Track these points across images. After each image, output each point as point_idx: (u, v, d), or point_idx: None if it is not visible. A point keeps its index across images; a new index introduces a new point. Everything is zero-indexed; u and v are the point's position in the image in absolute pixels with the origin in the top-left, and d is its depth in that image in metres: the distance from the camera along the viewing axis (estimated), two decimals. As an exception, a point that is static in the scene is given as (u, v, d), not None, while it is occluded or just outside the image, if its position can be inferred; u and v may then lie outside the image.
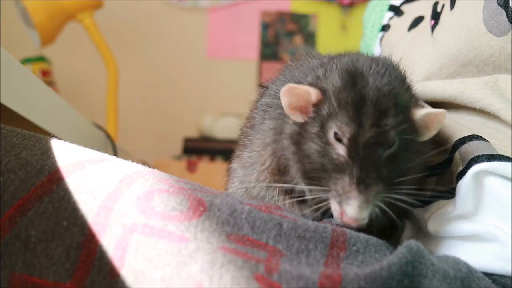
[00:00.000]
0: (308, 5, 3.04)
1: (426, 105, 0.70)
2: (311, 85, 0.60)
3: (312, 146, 0.57)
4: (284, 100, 0.58)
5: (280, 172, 0.64)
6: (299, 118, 0.59)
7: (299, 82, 0.63)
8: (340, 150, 0.55)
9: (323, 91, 0.58)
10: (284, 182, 0.64)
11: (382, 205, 0.55)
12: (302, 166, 0.59)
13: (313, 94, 0.58)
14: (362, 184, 0.53)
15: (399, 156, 0.55)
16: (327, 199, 0.58)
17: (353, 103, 0.55)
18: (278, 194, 0.66)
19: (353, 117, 0.55)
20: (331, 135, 0.56)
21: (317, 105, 0.58)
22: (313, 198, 0.61)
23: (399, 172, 0.56)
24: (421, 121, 0.57)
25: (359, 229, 0.56)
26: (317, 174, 0.57)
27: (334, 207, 0.57)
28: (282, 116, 0.63)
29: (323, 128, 0.57)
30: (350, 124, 0.54)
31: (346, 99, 0.56)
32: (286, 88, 0.58)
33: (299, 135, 0.59)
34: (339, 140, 0.55)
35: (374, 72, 0.57)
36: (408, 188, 0.56)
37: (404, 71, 0.64)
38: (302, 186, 0.61)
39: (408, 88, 0.61)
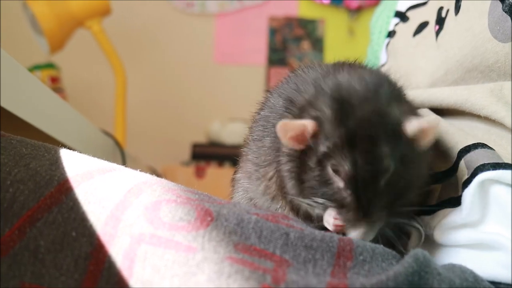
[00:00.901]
0: (316, 10, 3.04)
1: (428, 111, 0.70)
2: (302, 109, 0.60)
3: (312, 177, 0.58)
4: (279, 132, 0.57)
5: (284, 189, 0.64)
6: (296, 146, 0.59)
7: (291, 98, 0.64)
8: (339, 183, 0.56)
9: (317, 121, 0.57)
10: (288, 199, 0.64)
11: (387, 230, 0.58)
12: (301, 189, 0.60)
13: (310, 127, 0.57)
14: (365, 213, 0.55)
15: (397, 177, 0.56)
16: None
17: (346, 139, 0.55)
18: (283, 208, 0.67)
19: (347, 155, 0.55)
20: (329, 171, 0.56)
21: (313, 136, 0.57)
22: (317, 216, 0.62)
23: (400, 191, 0.57)
24: (416, 133, 0.57)
25: None
26: (317, 199, 0.58)
27: (328, 222, 0.59)
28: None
29: (320, 162, 0.57)
30: (345, 162, 0.54)
31: (338, 135, 0.55)
32: (281, 124, 0.57)
33: (299, 164, 0.59)
34: (337, 173, 0.56)
35: (361, 97, 0.57)
36: (411, 204, 0.58)
37: (394, 81, 0.64)
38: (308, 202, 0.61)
39: (398, 101, 0.61)
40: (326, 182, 0.57)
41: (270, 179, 0.66)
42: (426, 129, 0.57)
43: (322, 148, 0.56)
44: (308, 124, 0.57)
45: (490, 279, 0.53)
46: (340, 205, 0.56)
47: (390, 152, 0.55)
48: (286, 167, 0.61)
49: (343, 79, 0.60)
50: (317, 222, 0.61)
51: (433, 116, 0.58)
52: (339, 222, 0.57)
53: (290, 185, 0.61)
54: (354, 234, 0.55)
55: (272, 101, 0.69)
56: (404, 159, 0.56)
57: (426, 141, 0.58)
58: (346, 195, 0.55)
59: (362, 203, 0.54)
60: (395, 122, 0.56)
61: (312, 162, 0.58)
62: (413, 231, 0.64)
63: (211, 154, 2.61)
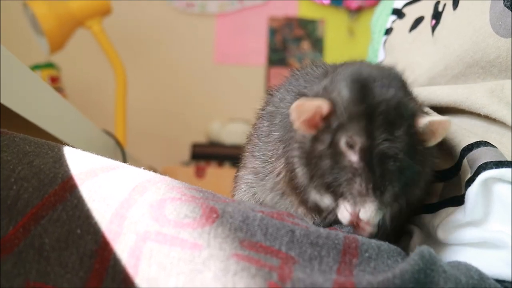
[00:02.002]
0: (316, 10, 3.03)
1: (431, 111, 0.70)
2: (317, 95, 0.60)
3: (324, 159, 0.57)
4: (293, 115, 0.57)
5: (293, 182, 0.64)
6: (309, 131, 0.58)
7: (304, 92, 0.63)
8: (352, 157, 0.55)
9: (332, 102, 0.57)
10: (298, 193, 0.63)
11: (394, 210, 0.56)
12: (311, 175, 0.59)
13: (324, 106, 0.57)
14: (378, 189, 0.54)
15: (407, 164, 0.55)
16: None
17: (363, 114, 0.55)
18: (293, 203, 0.66)
19: (364, 128, 0.54)
20: (342, 144, 0.55)
21: (327, 117, 0.57)
22: (327, 208, 0.61)
23: (408, 180, 0.56)
24: (427, 129, 0.57)
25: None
26: (328, 185, 0.57)
27: (342, 214, 0.58)
28: (289, 125, 0.62)
29: (334, 140, 0.56)
30: (362, 135, 0.54)
31: (356, 110, 0.55)
32: (297, 103, 0.57)
33: (310, 147, 0.59)
34: (350, 147, 0.55)
35: (379, 83, 0.57)
36: (418, 196, 0.57)
37: (406, 80, 0.64)
38: (315, 197, 0.61)
39: (411, 96, 0.61)
40: (338, 160, 0.56)
41: (278, 174, 0.66)
42: (437, 128, 0.57)
43: (337, 122, 0.56)
44: (323, 104, 0.56)
45: (494, 277, 0.53)
46: (350, 185, 0.55)
47: (404, 136, 0.55)
48: (296, 156, 0.61)
49: (362, 67, 0.60)
50: (327, 214, 0.61)
51: (446, 117, 0.58)
52: (353, 216, 0.56)
53: (300, 174, 0.61)
54: (364, 211, 0.54)
55: (279, 96, 0.69)
56: (415, 150, 0.56)
57: (434, 140, 0.57)
58: (359, 167, 0.54)
59: (375, 176, 0.54)
60: (410, 112, 0.56)
61: (324, 144, 0.57)
62: (416, 229, 0.64)
63: (211, 154, 2.60)
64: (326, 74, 0.64)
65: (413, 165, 0.56)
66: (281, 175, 0.65)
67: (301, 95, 0.63)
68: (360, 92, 0.56)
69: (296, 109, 0.57)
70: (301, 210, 0.65)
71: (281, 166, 0.65)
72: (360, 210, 0.55)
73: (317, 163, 0.58)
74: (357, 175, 0.55)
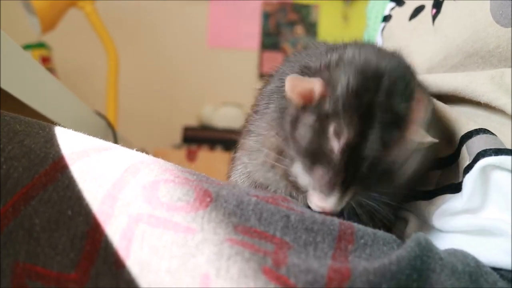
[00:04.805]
0: (310, -5, 3.03)
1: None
2: (318, 71, 0.59)
3: (307, 133, 0.57)
4: (288, 86, 0.57)
5: (282, 153, 0.63)
6: (301, 103, 0.58)
7: (307, 65, 0.63)
8: (335, 146, 0.54)
9: (330, 85, 0.56)
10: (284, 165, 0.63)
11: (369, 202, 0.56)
12: (293, 147, 0.59)
13: (317, 87, 0.56)
14: (343, 184, 0.54)
15: (385, 163, 0.55)
16: None
17: (361, 110, 0.54)
18: (280, 177, 0.66)
19: (357, 123, 0.54)
20: (330, 129, 0.55)
21: (322, 97, 0.56)
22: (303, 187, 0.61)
23: (385, 180, 0.56)
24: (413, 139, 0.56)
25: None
26: (302, 150, 0.57)
27: (311, 202, 0.58)
28: (286, 99, 0.61)
29: (322, 121, 0.56)
30: (352, 129, 0.54)
31: (355, 103, 0.54)
32: (290, 78, 0.56)
33: (297, 118, 0.58)
34: (337, 135, 0.54)
35: (387, 79, 0.56)
36: (388, 197, 0.57)
37: (412, 67, 0.63)
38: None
39: (413, 88, 0.59)
40: (319, 142, 0.56)
41: (270, 146, 0.65)
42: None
43: (332, 106, 0.55)
44: (316, 85, 0.56)
45: (490, 265, 0.52)
46: (320, 165, 0.55)
47: (390, 136, 0.54)
48: (287, 128, 0.60)
49: (372, 56, 0.59)
50: (302, 194, 0.61)
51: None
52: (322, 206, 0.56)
53: (288, 149, 0.60)
54: (313, 198, 0.56)
55: (280, 72, 0.69)
56: (396, 150, 0.55)
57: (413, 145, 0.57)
58: (336, 159, 0.54)
59: (346, 172, 0.54)
60: (404, 116, 0.55)
61: (312, 117, 0.57)
62: (412, 216, 0.64)
63: (202, 137, 2.61)
64: (332, 49, 0.63)
65: (393, 163, 0.55)
66: (273, 146, 0.65)
67: (304, 67, 0.63)
68: (365, 85, 0.55)
69: (291, 80, 0.57)
70: (283, 185, 0.65)
71: (273, 135, 0.65)
72: (311, 196, 0.56)
73: (299, 136, 0.58)
74: (328, 163, 0.55)
